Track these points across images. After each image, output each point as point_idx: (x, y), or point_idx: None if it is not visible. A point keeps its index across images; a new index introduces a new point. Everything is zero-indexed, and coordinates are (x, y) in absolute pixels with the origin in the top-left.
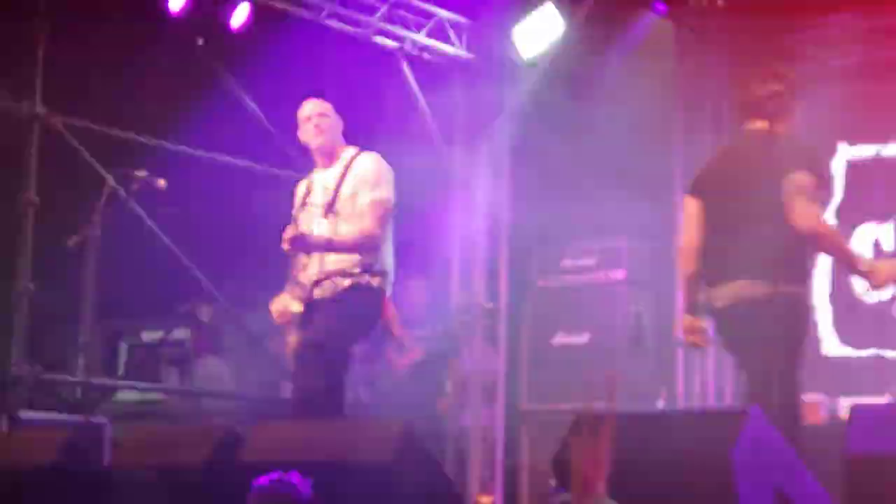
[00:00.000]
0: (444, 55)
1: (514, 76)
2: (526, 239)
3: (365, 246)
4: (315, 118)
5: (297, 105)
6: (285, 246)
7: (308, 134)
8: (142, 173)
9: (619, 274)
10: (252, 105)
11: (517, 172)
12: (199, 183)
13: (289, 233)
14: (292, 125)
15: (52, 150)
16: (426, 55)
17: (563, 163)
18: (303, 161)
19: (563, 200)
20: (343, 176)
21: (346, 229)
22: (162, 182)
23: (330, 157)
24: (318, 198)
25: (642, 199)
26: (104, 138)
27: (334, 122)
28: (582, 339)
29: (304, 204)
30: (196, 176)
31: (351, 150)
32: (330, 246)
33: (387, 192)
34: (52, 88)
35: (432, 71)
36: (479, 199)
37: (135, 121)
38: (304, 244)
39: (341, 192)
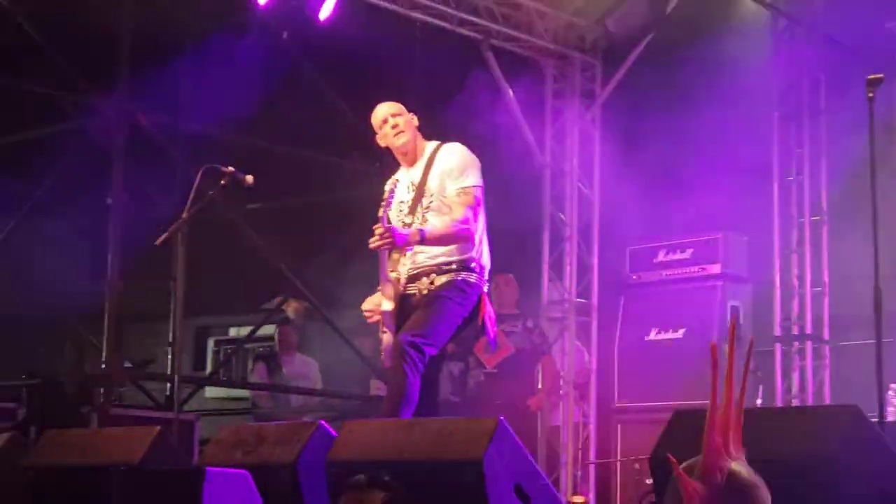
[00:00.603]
0: (530, 44)
1: (606, 65)
2: (619, 233)
3: (458, 236)
4: (391, 118)
5: (382, 97)
6: (375, 243)
7: (388, 136)
8: (229, 169)
9: (714, 268)
10: (337, 99)
11: (610, 165)
12: (286, 179)
13: (378, 230)
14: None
15: (139, 147)
16: (512, 45)
17: (657, 155)
18: (390, 156)
19: (657, 194)
20: (428, 170)
21: (438, 221)
22: (249, 178)
23: (413, 154)
24: (405, 195)
25: (739, 192)
26: (189, 135)
27: (410, 119)
28: (676, 335)
29: (390, 202)
30: (282, 172)
31: (432, 144)
32: (421, 239)
33: (474, 179)
34: (139, 84)
35: (519, 61)
36: (570, 193)
37: (219, 116)
38: (395, 240)
39: (428, 187)
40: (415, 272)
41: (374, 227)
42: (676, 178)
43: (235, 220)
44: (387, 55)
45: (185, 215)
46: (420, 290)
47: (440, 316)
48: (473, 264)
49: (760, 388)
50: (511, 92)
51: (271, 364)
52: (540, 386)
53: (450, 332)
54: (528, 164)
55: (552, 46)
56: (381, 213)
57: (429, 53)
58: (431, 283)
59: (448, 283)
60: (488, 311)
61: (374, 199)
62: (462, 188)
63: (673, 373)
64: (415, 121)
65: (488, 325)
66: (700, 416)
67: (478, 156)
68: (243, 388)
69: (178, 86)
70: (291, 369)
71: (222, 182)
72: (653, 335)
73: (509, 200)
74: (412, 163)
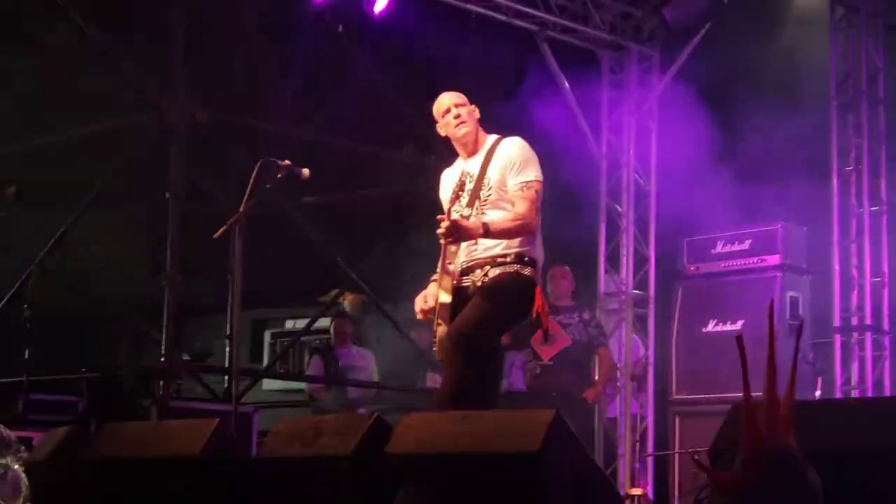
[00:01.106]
0: (586, 35)
1: (664, 56)
2: (676, 224)
3: (520, 230)
4: (454, 108)
5: (437, 90)
6: (441, 236)
7: (450, 126)
8: (285, 163)
9: (773, 259)
10: (392, 92)
11: (666, 157)
12: (341, 172)
13: (444, 223)
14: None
15: (196, 142)
16: (568, 37)
17: (715, 146)
18: (446, 149)
19: (714, 184)
20: (487, 163)
21: (499, 216)
22: (306, 171)
23: (473, 145)
24: (465, 187)
25: (797, 182)
26: (247, 129)
27: (472, 110)
28: (734, 326)
29: (455, 191)
30: (337, 165)
31: (492, 137)
32: (486, 232)
33: (535, 173)
34: (195, 79)
35: (575, 52)
36: (626, 184)
37: (276, 111)
38: (461, 233)
39: (487, 179)
40: (469, 264)
41: (439, 217)
42: (734, 169)
43: (292, 214)
44: (441, 48)
45: (242, 209)
46: (474, 282)
47: (494, 308)
48: (527, 258)
49: (820, 379)
50: (567, 84)
51: (327, 357)
52: (597, 378)
53: (504, 324)
54: (584, 156)
55: (609, 37)
56: (447, 206)
57: (484, 46)
58: (485, 275)
59: (502, 274)
60: (542, 303)
61: (429, 193)
62: (524, 182)
63: (731, 365)
64: (476, 113)
65: (542, 317)
66: (760, 409)
67: (534, 148)
68: (300, 380)
69: (234, 81)
70: (347, 361)
71: (278, 175)
72: (710, 327)
73: (565, 193)
74: (471, 154)
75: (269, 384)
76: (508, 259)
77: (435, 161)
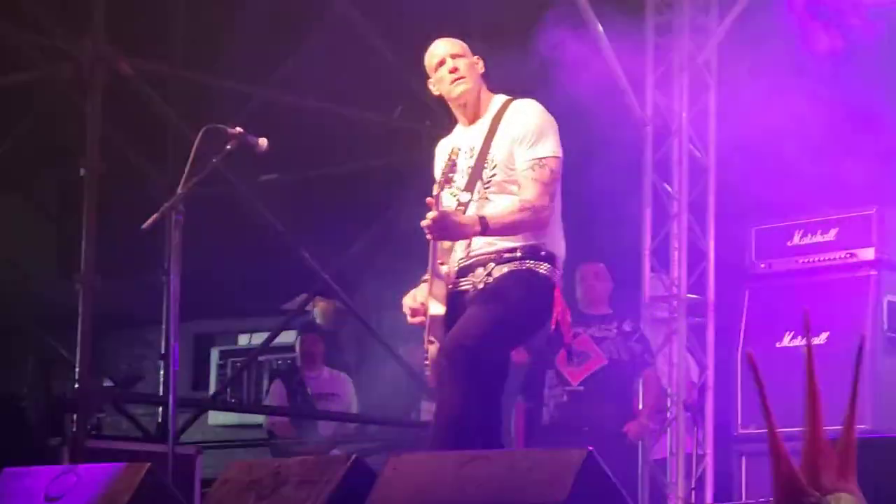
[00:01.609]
0: None
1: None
2: (742, 209)
3: (529, 223)
4: (450, 60)
5: (432, 37)
6: (426, 232)
7: (443, 82)
8: (236, 130)
9: (867, 253)
10: (377, 41)
11: (729, 122)
12: (311, 142)
13: (430, 215)
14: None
15: (120, 102)
16: None
17: (791, 109)
18: (444, 112)
19: (791, 158)
20: (493, 132)
21: (503, 203)
22: (263, 141)
23: (475, 109)
24: (463, 163)
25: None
26: (187, 87)
27: (474, 63)
28: (818, 340)
29: (445, 173)
30: (306, 133)
31: (500, 99)
32: (484, 227)
33: (552, 147)
34: (118, 21)
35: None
36: (678, 157)
37: (227, 65)
38: (450, 229)
39: (492, 155)
40: (468, 262)
41: (428, 200)
42: (816, 139)
43: (246, 196)
44: None
45: (180, 190)
46: (475, 284)
47: (500, 315)
48: (543, 252)
49: None
50: (601, 27)
51: (292, 382)
52: (640, 407)
53: (513, 336)
54: (623, 122)
55: None
56: (435, 191)
57: None
58: (489, 274)
59: (510, 274)
60: (563, 310)
61: (424, 169)
62: (537, 159)
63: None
64: (480, 66)
65: (563, 328)
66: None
67: (559, 112)
68: (257, 412)
69: (171, 22)
70: (318, 388)
71: (228, 147)
72: (787, 341)
73: (599, 169)
74: (473, 120)
75: (216, 417)
76: (518, 254)
77: (431, 128)
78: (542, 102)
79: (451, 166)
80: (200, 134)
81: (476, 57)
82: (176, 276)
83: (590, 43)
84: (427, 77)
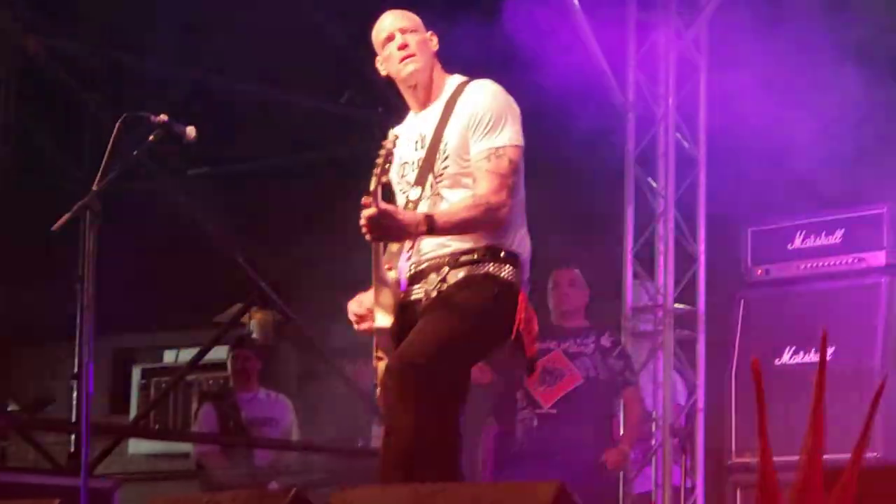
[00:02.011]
0: None
1: None
2: (736, 207)
3: (485, 220)
4: (399, 35)
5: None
6: (364, 231)
7: (391, 61)
8: (161, 118)
9: (876, 257)
10: (319, 15)
11: (722, 108)
12: (245, 132)
13: (366, 212)
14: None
15: (29, 84)
16: None
17: (792, 93)
18: (396, 96)
19: (792, 149)
20: (446, 118)
21: (454, 199)
22: (190, 130)
23: (426, 91)
24: (411, 153)
25: None
26: (106, 67)
27: (427, 39)
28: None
29: (381, 164)
30: (244, 123)
31: (455, 80)
32: (430, 226)
33: (511, 135)
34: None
35: None
36: (664, 148)
37: (150, 44)
38: (390, 230)
39: (444, 144)
40: (420, 267)
41: (363, 201)
42: (819, 127)
43: (172, 193)
44: None
45: (96, 186)
46: (428, 293)
47: (456, 327)
48: (504, 253)
49: None
50: (576, 1)
51: (224, 405)
52: (621, 432)
53: (472, 351)
54: (602, 108)
55: None
56: (372, 185)
57: None
58: (443, 280)
59: (467, 279)
60: (528, 317)
61: (374, 161)
62: (493, 149)
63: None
64: (434, 43)
65: (526, 340)
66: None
67: (527, 96)
68: (184, 440)
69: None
70: (254, 412)
71: (152, 137)
72: (787, 357)
73: (574, 162)
74: (424, 104)
75: (138, 446)
76: (476, 256)
77: (384, 115)
78: (507, 86)
79: (388, 156)
80: (120, 122)
81: (430, 32)
82: (91, 284)
83: (563, 17)
84: (375, 55)
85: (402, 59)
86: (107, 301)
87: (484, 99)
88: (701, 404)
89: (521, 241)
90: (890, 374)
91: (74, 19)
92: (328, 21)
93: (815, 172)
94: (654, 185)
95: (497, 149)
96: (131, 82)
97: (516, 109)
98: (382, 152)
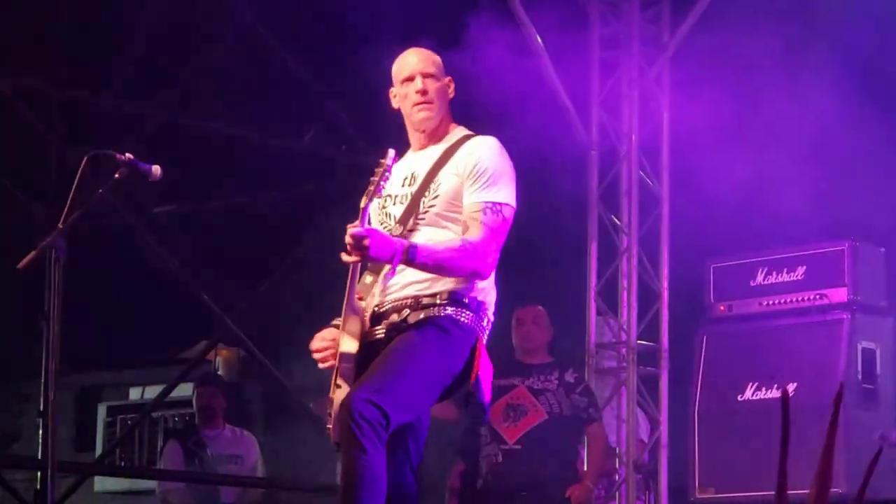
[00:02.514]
0: None
1: (679, 3)
2: (699, 243)
3: (466, 268)
4: (420, 79)
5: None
6: (348, 251)
7: (407, 100)
8: (126, 157)
9: (839, 293)
10: (284, 53)
11: (685, 145)
12: (214, 171)
13: (351, 229)
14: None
15: None
16: None
17: (750, 130)
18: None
19: (754, 185)
20: (443, 162)
21: (442, 237)
22: (156, 169)
23: (431, 136)
24: (398, 188)
25: (873, 181)
26: (70, 105)
27: (445, 87)
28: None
29: (380, 189)
30: (209, 161)
31: (461, 131)
32: (412, 253)
33: (508, 194)
34: None
35: (554, 1)
36: (628, 186)
37: (117, 83)
38: (374, 249)
39: (437, 184)
40: (382, 309)
41: (349, 225)
42: (782, 163)
43: (138, 230)
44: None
45: (61, 224)
46: (388, 333)
47: (411, 366)
48: (466, 299)
49: None
50: (540, 38)
51: (189, 442)
52: (585, 468)
53: (428, 391)
54: (565, 145)
55: None
56: (363, 203)
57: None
58: (404, 321)
59: (427, 321)
60: (484, 365)
61: (339, 200)
62: (490, 203)
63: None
64: (451, 90)
65: (483, 385)
66: None
67: (487, 134)
68: (149, 477)
69: (50, 31)
70: (219, 448)
71: (117, 175)
72: (749, 393)
73: (537, 199)
74: (425, 146)
75: (103, 483)
76: (437, 300)
77: (347, 153)
78: (468, 124)
79: (384, 173)
80: (85, 160)
81: (448, 78)
82: (56, 321)
83: (526, 55)
84: (391, 85)
85: (418, 105)
86: (72, 338)
87: (490, 154)
88: (664, 440)
89: (486, 290)
90: (850, 410)
91: (39, 56)
92: (293, 59)
93: (778, 209)
94: (617, 222)
95: (494, 204)
96: (96, 120)
97: (513, 171)
98: (379, 170)
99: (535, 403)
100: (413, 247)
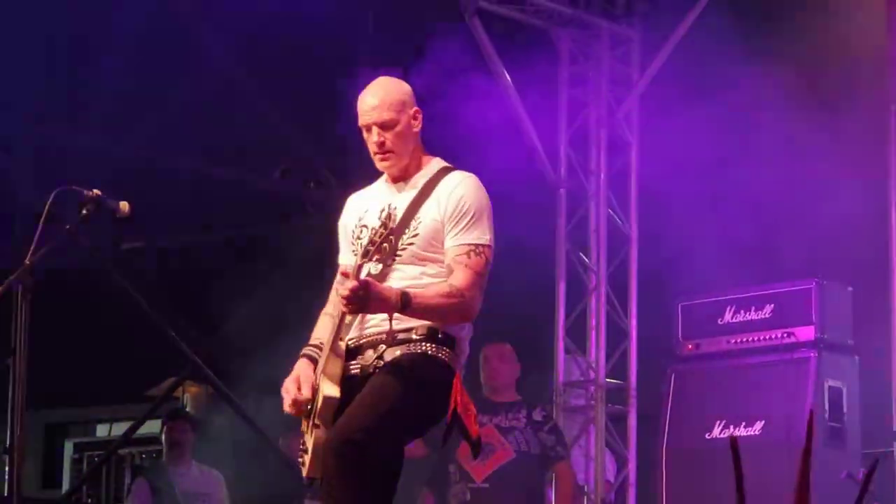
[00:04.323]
0: (536, 8)
1: (648, 38)
2: (667, 282)
3: (457, 315)
4: (376, 131)
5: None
6: (343, 301)
7: (369, 145)
8: (94, 193)
9: (806, 332)
10: (254, 89)
11: (653, 184)
12: (183, 208)
13: (348, 283)
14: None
15: None
16: (509, 9)
17: (721, 170)
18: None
19: (722, 224)
20: (422, 199)
21: (407, 273)
22: (124, 205)
23: (404, 172)
24: (374, 220)
25: (841, 219)
26: (38, 141)
27: (407, 127)
28: (752, 431)
29: (378, 243)
30: (177, 198)
31: (437, 163)
32: (405, 304)
33: (488, 235)
34: None
35: (520, 32)
36: (596, 224)
37: (84, 119)
38: (370, 302)
39: (416, 222)
40: (358, 343)
41: (343, 272)
42: (748, 201)
43: (105, 267)
44: (326, 26)
45: (28, 260)
46: (364, 368)
47: (392, 405)
48: (441, 335)
49: None
50: (508, 77)
51: (158, 480)
52: None
53: (408, 429)
54: (533, 184)
55: (569, 11)
56: (359, 260)
57: (387, 21)
58: (380, 357)
59: (404, 357)
60: (463, 401)
61: (308, 236)
62: (472, 245)
63: (748, 486)
64: (417, 124)
65: (466, 422)
66: None
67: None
68: None
69: (19, 65)
70: (187, 486)
71: (85, 211)
72: (717, 431)
73: (504, 237)
74: (400, 179)
75: None
76: (415, 335)
77: (316, 189)
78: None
79: (386, 236)
80: (52, 196)
81: (413, 111)
82: (23, 357)
83: (495, 94)
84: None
85: (377, 155)
86: (39, 375)
87: (470, 193)
88: (633, 479)
89: (459, 327)
90: (817, 449)
91: (5, 92)
92: (261, 98)
93: (745, 247)
94: (586, 260)
95: (477, 246)
96: (65, 154)
97: (490, 208)
98: (383, 231)
99: (502, 442)
100: (406, 295)
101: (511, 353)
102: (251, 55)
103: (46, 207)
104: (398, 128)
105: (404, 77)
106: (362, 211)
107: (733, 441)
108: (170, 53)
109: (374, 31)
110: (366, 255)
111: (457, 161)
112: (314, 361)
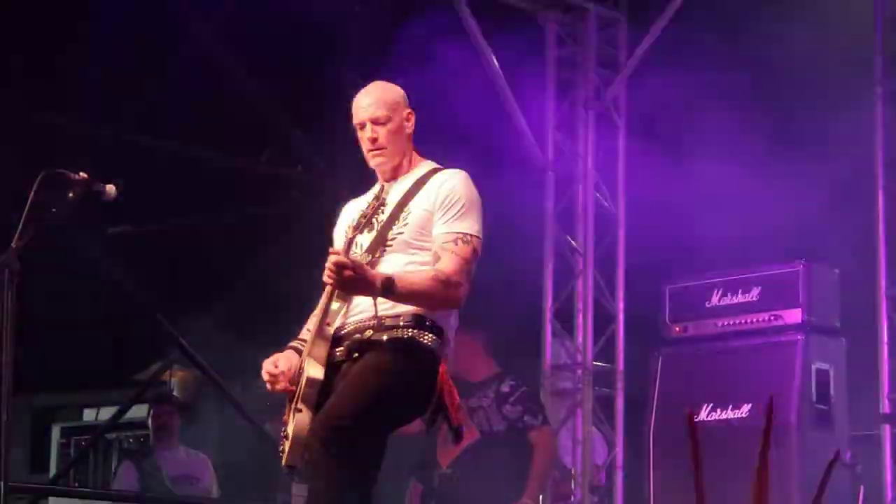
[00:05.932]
0: None
1: (635, 20)
2: (654, 265)
3: (441, 300)
4: (370, 126)
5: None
6: (327, 277)
7: (362, 143)
8: (81, 175)
9: (793, 315)
10: (240, 72)
11: (641, 167)
12: (169, 191)
13: (333, 258)
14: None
15: None
16: None
17: (710, 152)
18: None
19: (709, 207)
20: (413, 193)
21: (396, 262)
22: (111, 188)
23: (395, 171)
24: (368, 216)
25: (828, 203)
26: (21, 122)
27: (400, 127)
28: (739, 413)
29: (368, 215)
30: (164, 181)
31: (428, 164)
32: (388, 287)
33: (478, 228)
34: None
35: (507, 14)
36: (583, 207)
37: (70, 101)
38: (355, 281)
39: (406, 213)
40: (344, 330)
41: (331, 251)
42: (736, 185)
43: (91, 251)
44: (313, 9)
45: (14, 244)
46: (350, 353)
47: (378, 391)
48: (429, 322)
49: (862, 488)
50: (495, 60)
51: (144, 463)
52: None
53: (393, 414)
54: (521, 167)
55: None
56: (350, 234)
57: (374, 4)
58: (366, 340)
59: (389, 342)
60: (449, 388)
61: (294, 220)
62: (461, 234)
63: (734, 469)
64: (410, 125)
65: (450, 409)
66: None
67: (443, 155)
68: (104, 498)
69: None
70: (174, 469)
71: (71, 195)
72: (704, 414)
73: (492, 220)
74: (391, 179)
75: None
76: (401, 322)
77: (302, 173)
78: (418, 140)
79: (378, 207)
80: (38, 179)
81: (406, 112)
82: (10, 341)
83: (482, 77)
84: (348, 106)
85: (370, 152)
86: (26, 359)
87: (460, 186)
88: (620, 461)
89: (446, 316)
90: (805, 431)
91: None
92: (249, 80)
93: (733, 230)
94: (573, 243)
95: (465, 234)
96: (51, 135)
97: (481, 203)
98: (374, 202)
99: (469, 424)
100: (390, 279)
101: (461, 336)
102: (238, 37)
103: (33, 190)
104: (391, 125)
105: (393, 63)
106: (356, 212)
107: (690, 419)
108: (154, 32)
109: (361, 13)
110: (357, 227)
111: (445, 144)
112: (299, 353)
